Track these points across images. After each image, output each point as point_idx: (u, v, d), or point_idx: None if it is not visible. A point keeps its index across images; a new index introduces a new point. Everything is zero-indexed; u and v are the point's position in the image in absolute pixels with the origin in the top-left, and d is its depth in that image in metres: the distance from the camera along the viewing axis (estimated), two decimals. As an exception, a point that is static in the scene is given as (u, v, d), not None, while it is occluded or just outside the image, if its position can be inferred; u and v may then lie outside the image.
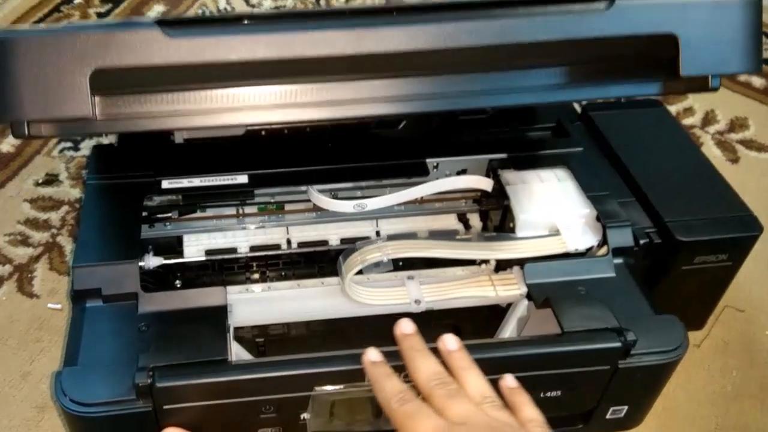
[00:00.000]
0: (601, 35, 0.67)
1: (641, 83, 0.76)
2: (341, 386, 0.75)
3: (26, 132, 0.64)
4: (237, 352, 0.82)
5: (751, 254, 0.97)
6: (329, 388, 0.76)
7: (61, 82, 0.61)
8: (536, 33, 0.66)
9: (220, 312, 0.81)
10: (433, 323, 0.92)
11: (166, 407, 0.74)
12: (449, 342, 0.76)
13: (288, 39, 0.63)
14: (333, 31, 0.65)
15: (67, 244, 1.19)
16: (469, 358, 0.75)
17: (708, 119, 1.49)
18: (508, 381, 0.75)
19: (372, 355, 0.75)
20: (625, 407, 0.87)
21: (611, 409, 0.86)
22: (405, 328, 0.77)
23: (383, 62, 0.68)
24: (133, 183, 0.92)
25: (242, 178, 0.93)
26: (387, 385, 0.72)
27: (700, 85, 0.73)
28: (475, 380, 0.72)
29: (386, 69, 0.71)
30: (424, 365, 0.73)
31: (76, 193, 1.27)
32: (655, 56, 0.73)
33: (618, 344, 0.77)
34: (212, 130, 0.94)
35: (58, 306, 1.11)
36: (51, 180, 1.30)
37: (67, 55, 0.61)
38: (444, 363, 0.74)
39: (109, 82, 0.64)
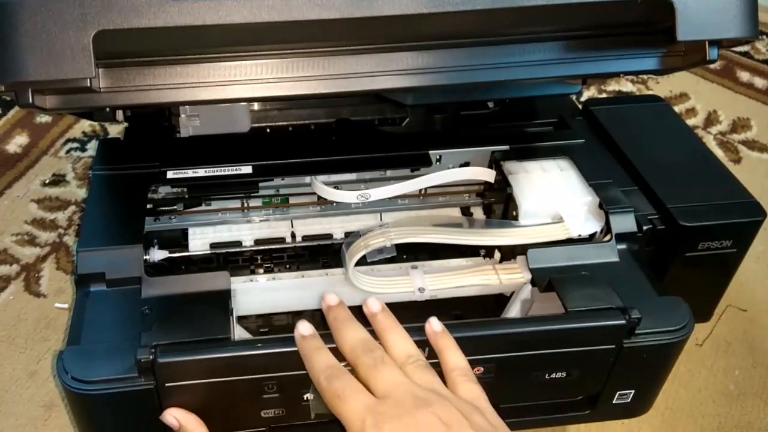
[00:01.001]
0: (597, -2, 0.68)
1: (640, 58, 0.77)
2: (343, 363, 0.75)
3: (30, 100, 0.64)
4: (240, 335, 0.82)
5: (754, 254, 0.97)
6: (332, 365, 0.76)
7: (64, 43, 0.62)
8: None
9: (224, 295, 0.81)
10: (437, 313, 0.92)
11: (168, 385, 0.73)
12: (372, 305, 0.77)
13: (291, 1, 0.64)
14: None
15: (74, 244, 1.19)
16: (392, 318, 0.75)
17: (710, 120, 1.50)
18: (433, 325, 0.75)
19: (303, 328, 0.74)
20: (632, 391, 0.86)
21: (618, 393, 0.86)
22: (329, 300, 0.78)
23: (387, 29, 0.69)
24: (138, 173, 0.93)
25: (246, 169, 0.93)
26: (315, 361, 0.72)
27: (699, 57, 0.73)
28: (398, 340, 0.73)
29: (390, 39, 0.72)
30: (348, 334, 0.73)
31: (82, 193, 1.28)
32: (653, 26, 0.74)
33: (622, 322, 0.77)
34: (216, 107, 0.95)
35: (65, 305, 1.11)
36: (58, 180, 1.31)
37: (70, 17, 0.61)
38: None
39: (113, 47, 0.65)
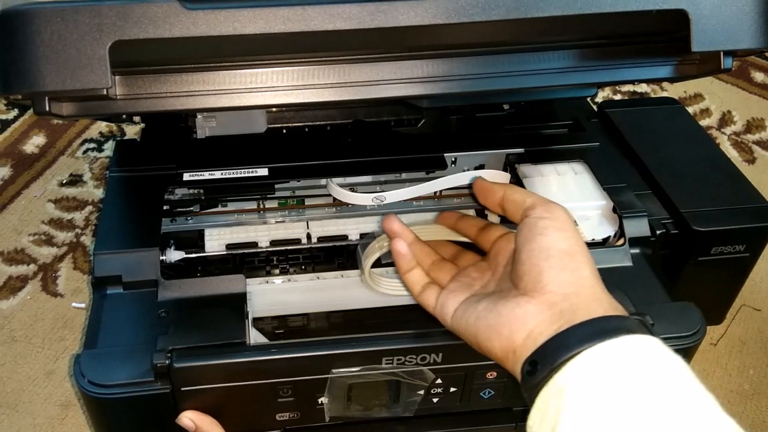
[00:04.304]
0: (613, 10, 0.67)
1: (654, 66, 0.77)
2: (358, 368, 0.76)
3: (47, 108, 0.65)
4: (255, 338, 0.82)
5: (768, 254, 0.97)
6: (346, 370, 0.76)
7: (80, 54, 0.62)
8: (549, 8, 0.66)
9: (239, 298, 0.81)
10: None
11: (184, 389, 0.74)
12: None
13: (307, 12, 0.64)
14: (352, 4, 0.65)
15: (91, 244, 1.20)
16: None
17: (725, 120, 1.49)
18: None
19: None
20: (644, 395, 0.86)
21: (629, 396, 0.86)
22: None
23: (402, 39, 0.69)
24: (154, 175, 0.94)
25: (263, 172, 0.94)
26: None
27: (713, 66, 0.73)
28: None
29: (405, 48, 0.72)
30: None
31: (99, 193, 1.29)
32: (667, 35, 0.74)
33: (634, 328, 0.77)
34: (232, 113, 0.95)
35: (82, 305, 1.12)
36: (75, 180, 1.32)
37: (87, 27, 0.62)
38: None
39: (129, 57, 0.65)
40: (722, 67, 0.72)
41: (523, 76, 0.75)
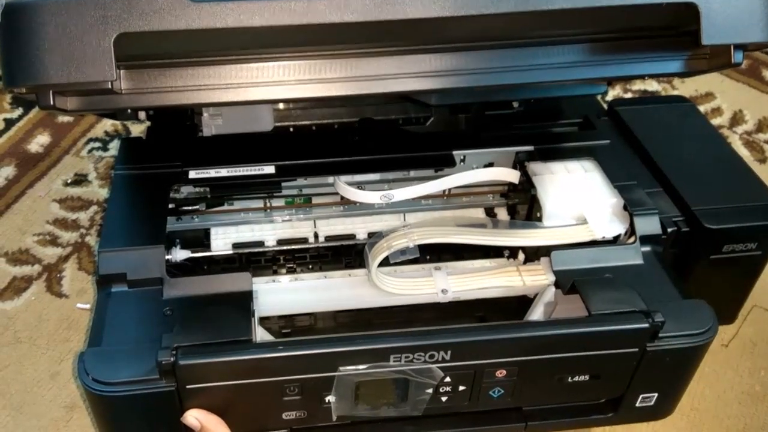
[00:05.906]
0: (623, 3, 0.67)
1: (665, 61, 0.76)
2: (366, 366, 0.75)
3: (51, 102, 0.64)
4: (262, 337, 0.82)
5: (779, 255, 0.96)
6: (354, 368, 0.75)
7: (85, 46, 0.62)
8: (558, 0, 0.66)
9: (245, 296, 0.80)
10: (460, 315, 0.92)
11: (189, 387, 0.73)
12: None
13: (313, 4, 0.64)
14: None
15: (96, 244, 1.20)
16: None
17: (736, 119, 1.49)
18: None
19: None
20: (655, 394, 0.85)
21: (641, 396, 0.85)
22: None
23: (410, 33, 0.69)
24: (160, 173, 0.93)
25: (269, 169, 0.93)
26: None
27: (724, 60, 0.72)
28: None
29: (413, 42, 0.71)
30: None
31: (104, 193, 1.29)
32: (677, 29, 0.73)
33: (646, 325, 0.76)
34: (238, 110, 0.95)
35: (87, 306, 1.11)
36: (80, 180, 1.31)
37: (91, 20, 0.61)
38: None
39: (134, 50, 0.65)
40: (732, 61, 0.72)
41: (532, 71, 0.74)
